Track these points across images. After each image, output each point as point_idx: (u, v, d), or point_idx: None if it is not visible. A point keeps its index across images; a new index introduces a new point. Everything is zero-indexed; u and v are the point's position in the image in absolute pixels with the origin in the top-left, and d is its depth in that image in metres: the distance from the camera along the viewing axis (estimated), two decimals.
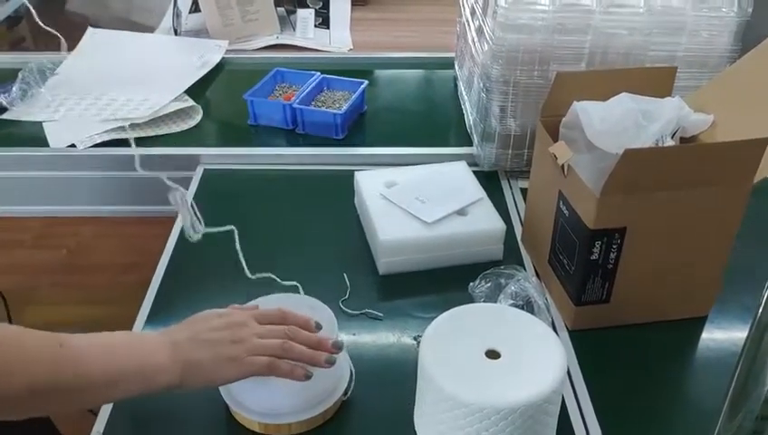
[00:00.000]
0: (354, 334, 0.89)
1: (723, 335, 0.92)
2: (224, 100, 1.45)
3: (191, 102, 1.36)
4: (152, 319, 0.92)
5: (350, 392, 0.80)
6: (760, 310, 0.60)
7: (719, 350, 0.91)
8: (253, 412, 0.77)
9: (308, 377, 0.73)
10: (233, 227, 0.98)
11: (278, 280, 0.92)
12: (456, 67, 1.45)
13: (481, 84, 1.16)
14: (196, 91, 1.41)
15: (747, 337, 0.62)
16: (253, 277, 0.91)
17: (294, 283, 0.93)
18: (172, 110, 1.32)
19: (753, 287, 0.92)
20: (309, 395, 0.77)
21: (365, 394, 0.82)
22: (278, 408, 0.77)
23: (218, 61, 1.53)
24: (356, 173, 1.11)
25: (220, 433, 0.79)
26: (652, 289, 0.89)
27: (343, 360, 0.82)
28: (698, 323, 0.93)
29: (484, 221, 1.01)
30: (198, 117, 1.34)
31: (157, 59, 1.53)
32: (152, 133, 1.28)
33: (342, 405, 0.80)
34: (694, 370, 0.89)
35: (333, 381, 0.80)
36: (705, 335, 0.92)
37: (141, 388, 0.69)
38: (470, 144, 1.26)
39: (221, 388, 0.79)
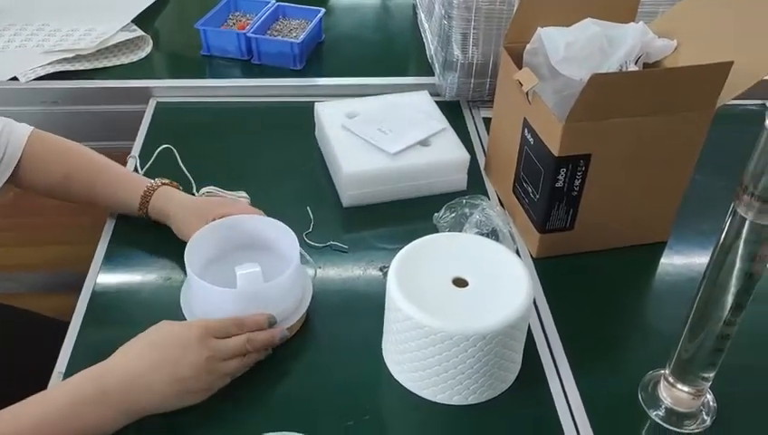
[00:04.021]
0: (320, 267, 0.88)
1: (681, 260, 0.94)
2: (174, 30, 1.38)
3: (140, 32, 1.29)
4: (110, 257, 0.89)
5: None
6: (722, 235, 0.61)
7: (678, 274, 0.92)
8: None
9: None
10: (170, 145, 0.99)
11: (223, 191, 0.92)
12: None
13: (442, 11, 1.13)
14: (144, 20, 1.34)
15: (709, 262, 0.63)
16: (198, 194, 0.93)
17: (242, 192, 0.94)
18: (120, 40, 1.26)
19: (710, 214, 0.95)
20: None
21: (332, 326, 0.82)
22: None
23: None
24: (316, 104, 1.08)
25: None
26: (615, 216, 0.90)
27: (296, 289, 0.80)
28: (658, 249, 0.95)
29: (448, 151, 1.00)
30: (148, 48, 1.28)
31: None
32: (99, 65, 1.22)
33: (309, 337, 0.80)
34: (654, 294, 0.91)
35: (294, 304, 0.79)
36: (664, 260, 0.94)
37: None
38: (431, 74, 1.23)
39: (184, 308, 0.78)
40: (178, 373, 0.67)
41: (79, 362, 0.75)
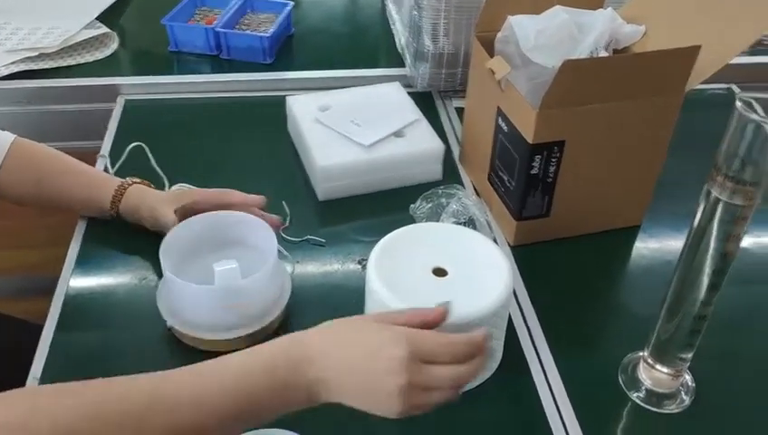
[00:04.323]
0: (298, 262, 0.88)
1: (655, 244, 0.95)
2: (140, 26, 1.36)
3: (105, 29, 1.27)
4: (83, 259, 0.87)
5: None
6: (697, 217, 0.62)
7: (652, 258, 0.94)
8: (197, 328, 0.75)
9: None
10: (141, 143, 0.98)
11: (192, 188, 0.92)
12: None
13: (412, 2, 1.12)
14: (108, 17, 1.32)
15: (685, 244, 0.63)
16: (168, 189, 0.91)
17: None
18: (85, 37, 1.23)
19: (683, 197, 0.95)
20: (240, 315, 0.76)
21: (312, 320, 0.81)
22: (218, 324, 0.75)
23: None
24: (288, 98, 1.07)
25: (163, 356, 0.77)
26: (590, 201, 0.90)
27: (275, 284, 0.80)
28: (632, 233, 0.96)
29: (422, 142, 1.00)
30: (114, 45, 1.26)
31: None
32: (64, 64, 1.20)
33: (286, 332, 0.79)
34: (630, 277, 0.92)
35: (272, 299, 0.78)
36: (639, 244, 0.95)
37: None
38: (402, 65, 1.23)
39: (161, 308, 0.77)
40: (372, 388, 0.58)
41: (54, 367, 0.74)
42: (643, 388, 0.73)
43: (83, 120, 1.16)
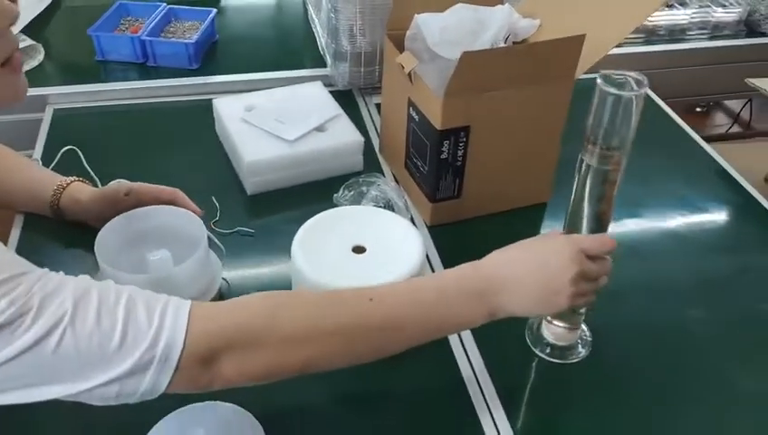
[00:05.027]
0: (227, 252, 0.93)
1: (560, 218, 1.03)
2: (65, 37, 1.39)
3: (30, 41, 1.29)
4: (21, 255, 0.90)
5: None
6: (575, 184, 0.70)
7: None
8: None
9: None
10: (74, 146, 1.01)
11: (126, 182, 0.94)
12: None
13: (329, 5, 1.19)
14: (33, 29, 1.34)
15: (567, 210, 0.71)
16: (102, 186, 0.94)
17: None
18: None
19: None
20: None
21: None
22: None
23: None
24: (214, 100, 1.12)
25: None
26: (497, 182, 0.98)
27: (206, 272, 0.84)
28: (540, 210, 1.04)
29: (343, 135, 1.07)
30: (40, 56, 1.28)
31: None
32: None
33: None
34: None
35: (205, 286, 0.83)
36: (546, 221, 1.03)
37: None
38: (324, 65, 1.29)
39: None
40: (550, 283, 0.67)
41: None
42: (546, 343, 0.82)
43: (13, 130, 1.19)
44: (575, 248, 0.68)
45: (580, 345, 0.82)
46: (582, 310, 0.79)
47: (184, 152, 1.12)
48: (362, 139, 1.07)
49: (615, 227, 1.00)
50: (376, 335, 0.64)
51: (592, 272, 0.69)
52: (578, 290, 0.67)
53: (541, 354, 0.81)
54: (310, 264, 0.76)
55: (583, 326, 0.82)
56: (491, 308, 0.67)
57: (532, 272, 0.68)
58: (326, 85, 1.18)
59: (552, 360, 0.81)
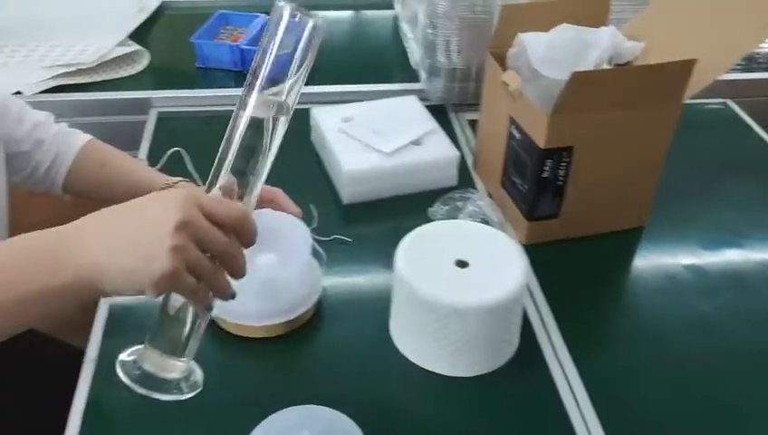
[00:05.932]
0: (326, 259, 0.94)
1: (656, 245, 1.02)
2: (168, 44, 1.44)
3: (137, 47, 1.35)
4: None
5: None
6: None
7: (655, 257, 1.00)
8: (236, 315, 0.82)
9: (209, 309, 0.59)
10: (179, 148, 1.04)
11: None
12: (398, 6, 1.49)
13: (427, 21, 1.20)
14: (138, 36, 1.40)
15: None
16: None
17: None
18: (119, 54, 1.31)
19: (682, 200, 1.03)
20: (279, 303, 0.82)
21: (341, 311, 0.88)
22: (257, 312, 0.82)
23: (157, 6, 1.51)
24: (312, 109, 1.14)
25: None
26: (596, 204, 0.97)
27: (309, 276, 0.86)
28: (637, 234, 1.03)
29: (439, 149, 1.08)
30: (145, 61, 1.34)
31: (91, 5, 1.50)
32: (99, 78, 1.27)
33: (322, 323, 0.86)
34: (634, 274, 0.99)
35: (307, 290, 0.85)
36: (643, 243, 1.02)
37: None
38: (415, 80, 1.31)
39: None
40: (143, 227, 0.53)
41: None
42: (138, 366, 0.58)
43: (117, 132, 1.23)
44: (188, 198, 0.54)
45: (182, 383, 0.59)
46: (188, 325, 0.58)
47: (279, 160, 1.13)
48: (458, 153, 1.07)
49: (714, 257, 0.99)
50: None
51: (205, 232, 0.53)
52: (179, 245, 0.52)
53: (123, 378, 0.57)
54: (415, 276, 0.77)
55: (195, 368, 0.60)
56: (70, 266, 0.53)
57: (120, 215, 0.55)
58: (419, 100, 1.19)
59: (137, 389, 0.58)
